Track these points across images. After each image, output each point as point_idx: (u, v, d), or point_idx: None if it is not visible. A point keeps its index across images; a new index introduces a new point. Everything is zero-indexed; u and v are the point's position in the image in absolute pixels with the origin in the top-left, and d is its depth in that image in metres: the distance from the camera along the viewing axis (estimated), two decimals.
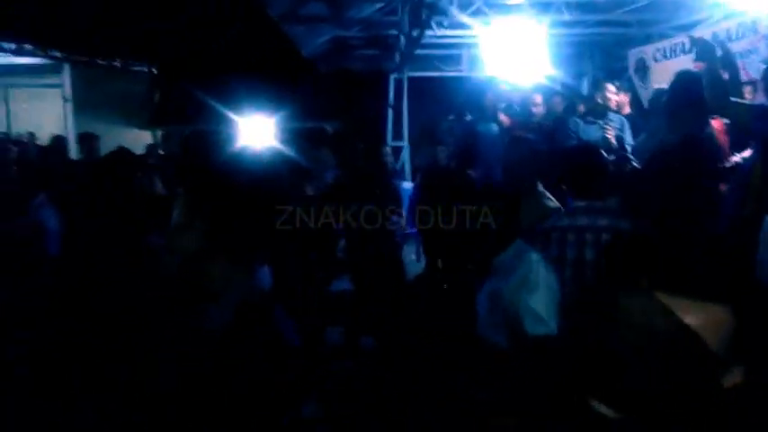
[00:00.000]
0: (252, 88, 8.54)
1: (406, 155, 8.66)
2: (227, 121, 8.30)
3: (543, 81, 6.16)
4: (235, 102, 8.18)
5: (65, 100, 9.63)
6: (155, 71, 11.28)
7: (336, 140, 8.51)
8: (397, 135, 8.73)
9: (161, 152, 8.46)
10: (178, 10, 8.07)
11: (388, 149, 6.37)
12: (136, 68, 10.96)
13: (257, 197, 3.78)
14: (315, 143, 7.36)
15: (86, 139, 7.00)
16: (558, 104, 6.15)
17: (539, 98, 5.96)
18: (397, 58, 8.28)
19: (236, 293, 2.46)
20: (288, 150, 6.77)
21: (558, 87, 6.71)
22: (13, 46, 8.31)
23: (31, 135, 8.99)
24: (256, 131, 8.19)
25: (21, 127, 9.59)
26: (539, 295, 2.30)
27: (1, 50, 8.49)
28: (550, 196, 3.26)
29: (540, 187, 3.29)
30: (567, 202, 3.05)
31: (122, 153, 3.91)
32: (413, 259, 6.00)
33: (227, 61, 9.31)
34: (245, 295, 2.48)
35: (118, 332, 2.38)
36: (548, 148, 4.60)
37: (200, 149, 7.10)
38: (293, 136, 8.23)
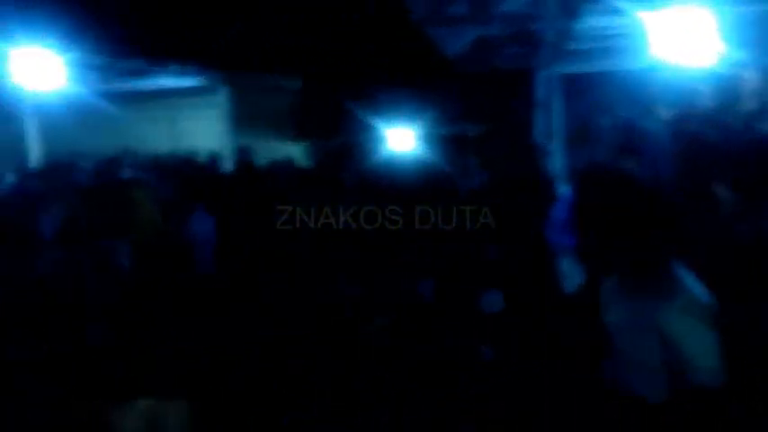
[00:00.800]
0: (395, 96, 8.53)
1: (558, 157, 8.12)
2: (372, 131, 8.36)
3: (714, 68, 5.44)
4: (378, 110, 8.21)
5: (223, 117, 10.37)
6: (301, 85, 11.76)
7: (481, 144, 8.22)
8: (548, 136, 8.21)
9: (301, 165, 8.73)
10: (323, 25, 8.28)
11: (540, 150, 5.99)
12: (286, 84, 11.49)
13: (404, 205, 3.69)
14: (458, 148, 7.13)
15: (242, 154, 7.41)
16: (734, 94, 5.41)
17: (708, 88, 5.28)
18: (546, 53, 7.80)
19: (396, 302, 2.48)
20: (432, 157, 6.60)
21: (734, 74, 5.90)
22: (178, 69, 9.04)
23: (194, 152, 9.72)
24: (400, 139, 8.17)
25: (185, 144, 10.41)
26: (704, 331, 1.83)
27: (168, 74, 9.34)
28: (726, 196, 2.80)
29: (716, 187, 2.85)
30: (746, 204, 2.58)
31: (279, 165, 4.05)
32: (570, 271, 5.50)
33: (370, 70, 9.40)
34: (403, 305, 2.50)
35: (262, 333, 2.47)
36: (722, 143, 4.04)
37: (344, 161, 7.20)
38: (437, 142, 8.08)
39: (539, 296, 3.95)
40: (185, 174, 7.62)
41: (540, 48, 7.77)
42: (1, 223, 4.26)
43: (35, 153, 8.57)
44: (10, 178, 7.24)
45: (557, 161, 8.04)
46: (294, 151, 10.65)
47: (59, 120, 8.51)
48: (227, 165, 8.61)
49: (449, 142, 8.40)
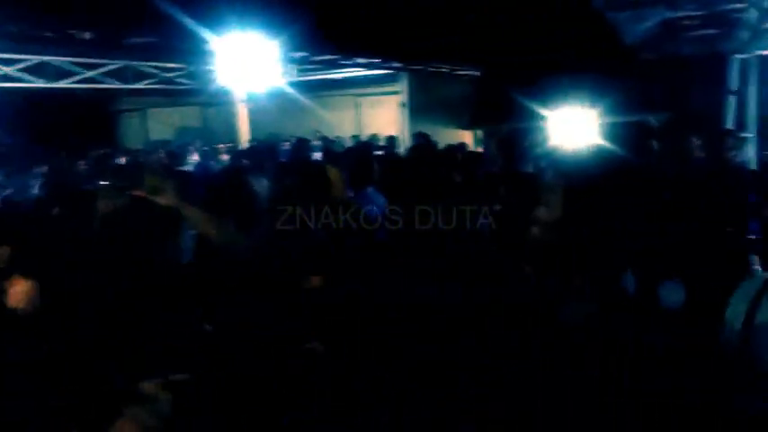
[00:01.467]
0: (571, 83, 8.39)
1: (752, 148, 7.47)
2: (546, 118, 8.31)
3: None
4: (553, 97, 8.14)
5: (402, 105, 10.94)
6: (478, 73, 11.92)
7: (664, 134, 7.80)
8: (741, 125, 7.58)
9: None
10: (502, 11, 8.37)
11: (732, 140, 5.58)
12: (462, 72, 11.77)
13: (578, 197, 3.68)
14: (639, 138, 6.86)
15: (418, 138, 7.84)
16: None
17: None
18: (745, 35, 7.17)
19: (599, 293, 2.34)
20: (610, 147, 6.46)
21: None
22: (363, 61, 9.73)
23: (374, 136, 10.41)
24: (576, 127, 8.03)
25: (367, 130, 11.21)
26: None
27: (356, 66, 10.09)
28: None
29: None
30: None
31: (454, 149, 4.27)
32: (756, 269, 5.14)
33: (547, 57, 9.31)
34: (602, 297, 2.35)
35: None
36: None
37: (514, 149, 7.26)
38: (615, 131, 7.83)
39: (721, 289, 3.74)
40: (363, 155, 8.24)
41: (734, 29, 7.17)
42: (217, 195, 4.84)
43: (244, 135, 9.84)
44: (224, 156, 8.45)
45: (750, 152, 7.40)
46: (468, 138, 10.92)
47: (264, 106, 9.67)
48: (403, 148, 9.12)
49: (630, 131, 8.08)
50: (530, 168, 5.58)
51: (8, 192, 6.47)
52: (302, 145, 7.59)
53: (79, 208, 2.83)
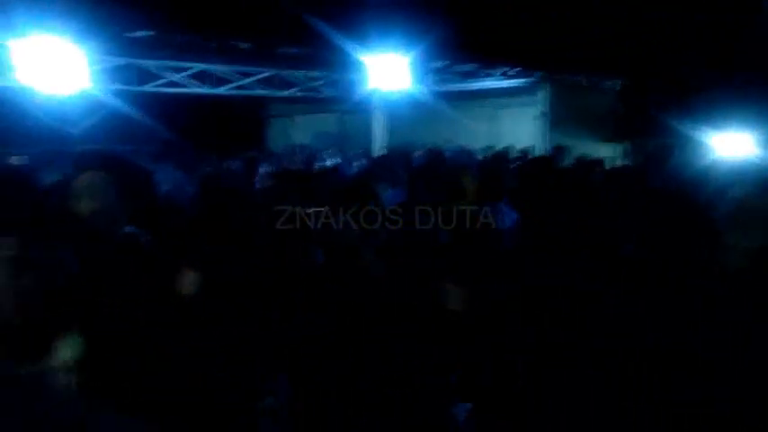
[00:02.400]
0: (727, 95, 7.71)
1: None
2: (699, 132, 7.70)
3: None
4: (708, 110, 7.53)
5: (540, 116, 10.67)
6: (622, 85, 11.35)
7: None
8: None
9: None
10: (645, 24, 7.91)
11: None
12: (603, 84, 11.26)
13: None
14: None
15: (558, 152, 7.57)
16: None
17: None
18: None
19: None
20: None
21: None
22: (503, 71, 9.62)
23: (509, 148, 10.20)
24: (733, 142, 7.36)
25: (504, 141, 11.00)
26: None
27: (495, 75, 10.01)
28: None
29: None
30: None
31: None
32: None
33: (700, 66, 8.63)
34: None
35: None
36: None
37: (665, 164, 6.77)
38: None
39: None
40: (496, 166, 8.09)
41: None
42: (351, 198, 4.95)
43: (381, 142, 10.10)
44: (359, 163, 8.67)
45: None
46: (609, 152, 10.38)
47: (401, 114, 9.86)
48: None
49: None
50: (683, 186, 5.19)
51: (167, 188, 7.07)
52: (436, 154, 7.62)
53: (232, 206, 3.04)
